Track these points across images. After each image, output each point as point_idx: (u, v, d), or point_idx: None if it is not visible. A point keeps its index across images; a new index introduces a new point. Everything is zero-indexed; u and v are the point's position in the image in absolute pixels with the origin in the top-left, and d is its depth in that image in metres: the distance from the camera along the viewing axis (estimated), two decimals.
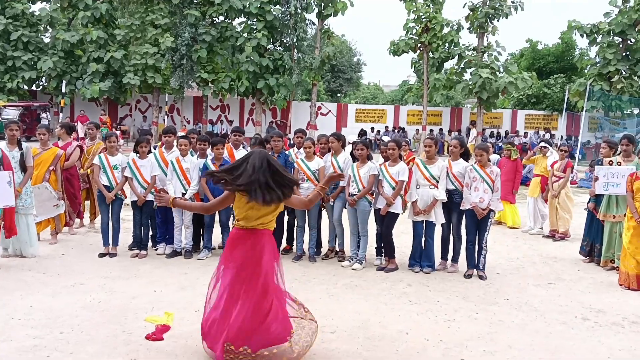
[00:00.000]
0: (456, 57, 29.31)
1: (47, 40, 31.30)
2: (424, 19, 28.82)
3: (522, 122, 33.15)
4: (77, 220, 9.17)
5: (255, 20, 28.46)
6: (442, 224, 7.53)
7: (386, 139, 12.72)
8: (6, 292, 6.09)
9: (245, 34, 28.43)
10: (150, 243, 8.07)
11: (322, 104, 34.29)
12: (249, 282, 4.43)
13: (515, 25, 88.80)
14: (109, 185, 7.65)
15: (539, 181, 10.54)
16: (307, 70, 28.98)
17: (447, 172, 7.46)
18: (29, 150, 7.44)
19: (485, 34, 28.82)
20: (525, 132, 31.51)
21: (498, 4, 27.77)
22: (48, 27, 31.25)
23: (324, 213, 8.20)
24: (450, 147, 7.70)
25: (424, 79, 30.30)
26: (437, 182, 7.35)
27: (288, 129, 31.52)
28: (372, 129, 31.54)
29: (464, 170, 7.44)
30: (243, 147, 8.73)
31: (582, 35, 28.73)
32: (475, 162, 7.46)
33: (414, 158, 11.57)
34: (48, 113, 29.56)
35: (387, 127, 32.28)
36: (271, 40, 29.16)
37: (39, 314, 5.49)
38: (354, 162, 7.76)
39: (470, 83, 28.35)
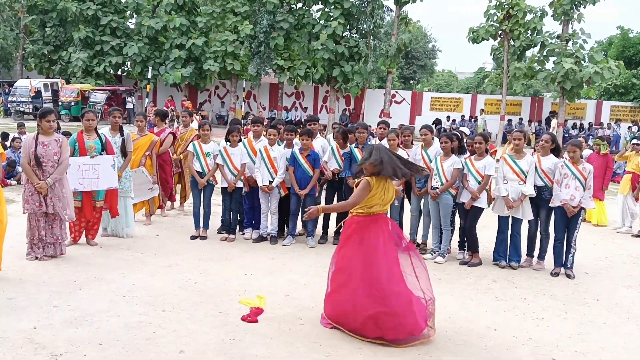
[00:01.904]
0: (538, 45, 28.30)
1: (132, 26, 32.65)
2: (506, 6, 27.97)
3: (607, 114, 31.60)
4: (168, 203, 9.63)
5: (332, 7, 28.53)
6: (529, 220, 7.43)
7: (464, 129, 12.48)
8: (109, 270, 6.53)
9: (322, 21, 28.57)
10: (237, 227, 8.39)
11: (397, 92, 34.01)
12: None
13: (604, 12, 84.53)
14: (201, 171, 8.01)
15: (629, 178, 10.16)
16: (382, 57, 28.82)
17: (536, 168, 7.33)
18: (129, 136, 7.89)
19: (570, 22, 27.64)
20: (608, 123, 30.10)
21: None
22: (134, 13, 32.58)
23: (407, 205, 8.23)
24: (541, 142, 7.55)
25: (503, 67, 29.47)
26: (526, 177, 7.24)
27: (361, 117, 31.51)
28: (448, 117, 31.05)
29: (554, 167, 7.29)
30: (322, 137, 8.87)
31: None
32: (567, 159, 7.29)
33: (496, 151, 11.39)
34: (133, 97, 30.89)
35: (462, 116, 31.66)
36: (347, 28, 29.15)
37: (141, 292, 5.87)
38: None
39: (552, 72, 27.33)
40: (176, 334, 4.87)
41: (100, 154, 7.32)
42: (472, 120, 31.05)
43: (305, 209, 5.28)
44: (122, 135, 7.80)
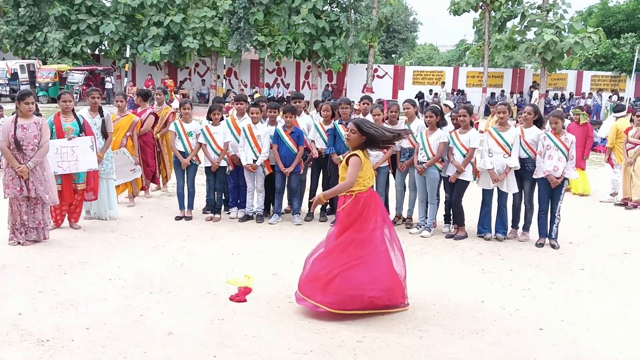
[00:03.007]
0: (519, 16, 28.27)
1: (108, 4, 31.99)
2: None
3: (587, 84, 31.85)
4: (153, 185, 9.53)
5: None
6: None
7: (448, 102, 12.44)
8: (94, 253, 6.46)
9: None
10: (222, 207, 8.33)
11: (379, 66, 33.86)
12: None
13: None
14: (184, 151, 7.90)
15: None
16: (363, 31, 28.60)
17: (520, 140, 7.34)
18: (109, 117, 7.74)
19: None
20: (589, 93, 30.30)
21: None
22: None
23: (392, 180, 8.22)
24: (524, 113, 7.55)
25: (485, 39, 29.42)
26: (511, 149, 7.24)
27: (344, 92, 31.37)
28: (431, 91, 31.02)
29: (537, 138, 7.30)
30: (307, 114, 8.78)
31: None
32: (549, 130, 7.30)
33: (478, 123, 11.39)
34: (112, 77, 30.39)
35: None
36: (328, 1, 28.83)
37: (128, 274, 5.81)
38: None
39: (533, 43, 27.34)
40: (164, 316, 4.84)
41: (79, 136, 7.17)
42: (455, 93, 31.05)
43: (310, 201, 5.08)
44: (102, 116, 7.65)
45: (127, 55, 28.26)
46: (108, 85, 29.18)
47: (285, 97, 30.41)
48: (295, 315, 4.92)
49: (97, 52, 33.39)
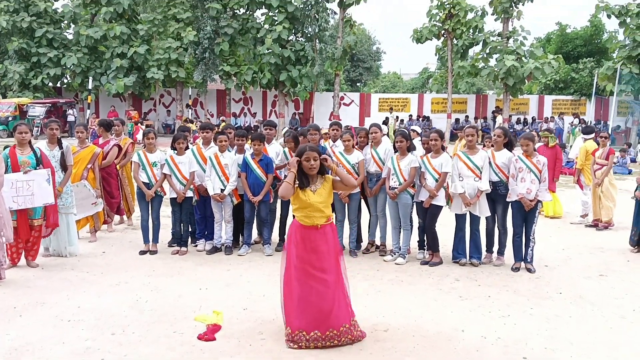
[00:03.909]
0: (481, 44, 28.86)
1: (70, 36, 31.55)
2: (448, 5, 28.42)
3: (549, 108, 32.52)
4: (117, 218, 9.16)
5: (276, 11, 28.30)
6: (486, 216, 7.35)
7: (416, 128, 12.39)
8: (52, 292, 6.08)
9: (266, 26, 28.29)
10: (189, 239, 8.02)
11: (345, 94, 34.03)
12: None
13: (543, 9, 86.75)
14: (148, 182, 7.60)
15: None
16: (329, 60, 28.76)
17: (490, 163, 7.27)
18: (69, 149, 7.41)
19: (510, 19, 28.30)
20: (551, 117, 30.92)
21: None
22: (71, 23, 31.49)
23: (364, 207, 8.05)
24: (494, 136, 7.50)
25: (447, 66, 29.90)
26: (481, 172, 7.16)
27: (311, 120, 31.34)
28: (397, 117, 31.21)
29: (508, 161, 7.23)
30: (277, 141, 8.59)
31: (609, 17, 28.00)
32: (521, 153, 7.25)
33: (446, 147, 11.30)
34: (74, 109, 29.80)
35: (410, 115, 31.94)
36: (292, 31, 28.99)
37: (88, 314, 5.46)
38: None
39: (495, 69, 27.90)
40: (128, 359, 4.51)
41: (35, 169, 6.82)
42: (420, 119, 31.31)
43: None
44: (60, 148, 7.32)
45: (90, 87, 27.78)
46: (70, 118, 28.56)
47: (252, 125, 30.22)
48: (267, 354, 4.64)
49: (59, 84, 32.79)
